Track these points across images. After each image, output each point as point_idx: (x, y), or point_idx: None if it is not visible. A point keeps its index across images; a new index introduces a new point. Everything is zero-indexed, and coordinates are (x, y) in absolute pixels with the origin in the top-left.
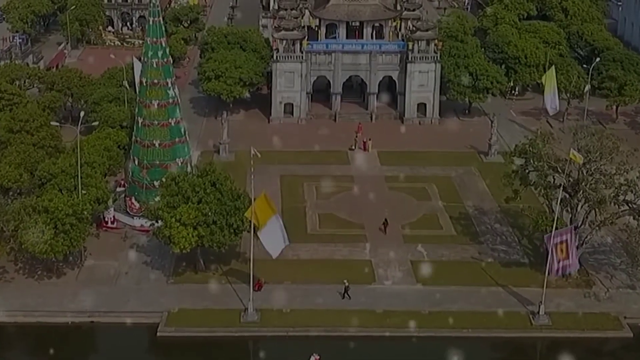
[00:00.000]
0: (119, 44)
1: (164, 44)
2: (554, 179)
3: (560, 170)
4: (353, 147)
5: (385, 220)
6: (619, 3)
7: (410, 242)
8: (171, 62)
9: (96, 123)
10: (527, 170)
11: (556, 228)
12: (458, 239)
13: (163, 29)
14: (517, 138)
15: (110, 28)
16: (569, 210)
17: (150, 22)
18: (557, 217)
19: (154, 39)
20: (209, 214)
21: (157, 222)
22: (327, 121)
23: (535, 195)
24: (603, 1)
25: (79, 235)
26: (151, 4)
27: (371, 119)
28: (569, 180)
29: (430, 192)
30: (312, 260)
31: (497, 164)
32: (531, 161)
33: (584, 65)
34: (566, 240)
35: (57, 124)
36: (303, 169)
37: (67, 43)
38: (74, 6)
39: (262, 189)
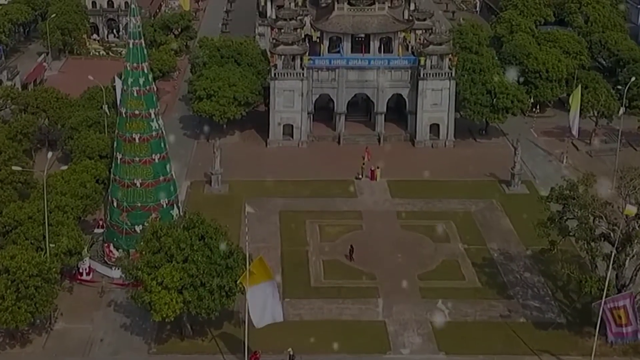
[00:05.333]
0: (104, 53)
1: (145, 70)
2: (595, 230)
3: (607, 221)
4: (360, 176)
5: (351, 247)
6: (639, 6)
7: (429, 297)
8: (155, 89)
9: (65, 167)
10: (565, 218)
11: (607, 290)
12: (484, 292)
13: (145, 52)
14: (540, 163)
15: (95, 36)
16: (615, 267)
17: (131, 45)
18: (606, 278)
19: (135, 65)
20: (196, 275)
21: (135, 282)
22: (330, 144)
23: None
24: (623, 4)
25: (46, 299)
26: (131, 24)
27: (379, 141)
28: (617, 234)
29: (449, 232)
30: (317, 322)
31: (522, 196)
32: (570, 208)
33: (619, 87)
34: (624, 306)
35: (20, 168)
36: (305, 203)
37: (47, 54)
38: (54, 14)
39: (259, 228)
